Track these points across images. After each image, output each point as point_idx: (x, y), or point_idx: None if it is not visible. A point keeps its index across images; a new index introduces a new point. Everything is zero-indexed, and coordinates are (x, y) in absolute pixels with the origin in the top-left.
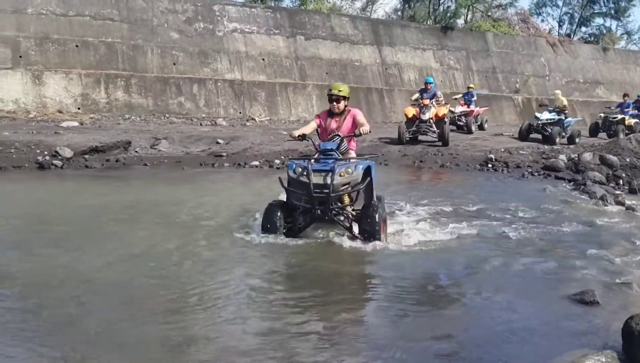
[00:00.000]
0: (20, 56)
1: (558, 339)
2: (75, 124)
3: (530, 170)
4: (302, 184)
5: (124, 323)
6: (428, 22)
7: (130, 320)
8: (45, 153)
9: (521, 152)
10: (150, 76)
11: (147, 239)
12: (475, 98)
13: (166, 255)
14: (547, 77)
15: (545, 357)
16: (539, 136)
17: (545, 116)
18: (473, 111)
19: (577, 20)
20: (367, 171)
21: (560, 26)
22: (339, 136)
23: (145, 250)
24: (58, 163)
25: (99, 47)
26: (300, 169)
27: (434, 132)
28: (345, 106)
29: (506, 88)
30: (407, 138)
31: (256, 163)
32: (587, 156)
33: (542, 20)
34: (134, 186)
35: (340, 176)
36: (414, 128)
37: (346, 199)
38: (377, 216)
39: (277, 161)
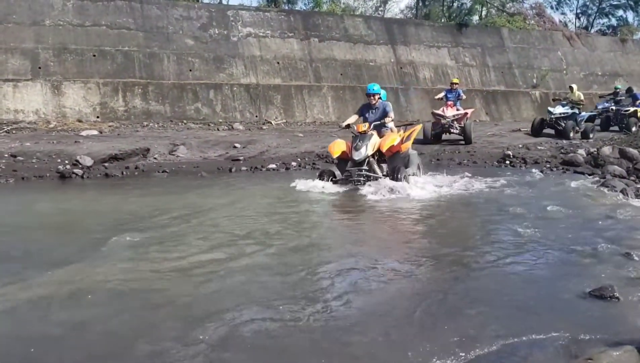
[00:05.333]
0: (40, 67)
1: (576, 335)
2: (95, 132)
3: (548, 165)
4: None
5: None
6: (442, 20)
7: None
8: (66, 162)
9: (539, 147)
10: (167, 83)
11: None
12: (463, 97)
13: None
14: (564, 71)
15: (564, 354)
16: (552, 131)
17: (558, 110)
18: (467, 113)
19: (595, 12)
20: None
21: (578, 18)
22: None
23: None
24: (79, 171)
25: (116, 56)
26: None
27: (377, 178)
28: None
29: (523, 83)
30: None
31: (273, 165)
32: (607, 149)
33: (562, 14)
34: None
35: None
36: (342, 177)
37: None
38: None
39: (294, 164)
